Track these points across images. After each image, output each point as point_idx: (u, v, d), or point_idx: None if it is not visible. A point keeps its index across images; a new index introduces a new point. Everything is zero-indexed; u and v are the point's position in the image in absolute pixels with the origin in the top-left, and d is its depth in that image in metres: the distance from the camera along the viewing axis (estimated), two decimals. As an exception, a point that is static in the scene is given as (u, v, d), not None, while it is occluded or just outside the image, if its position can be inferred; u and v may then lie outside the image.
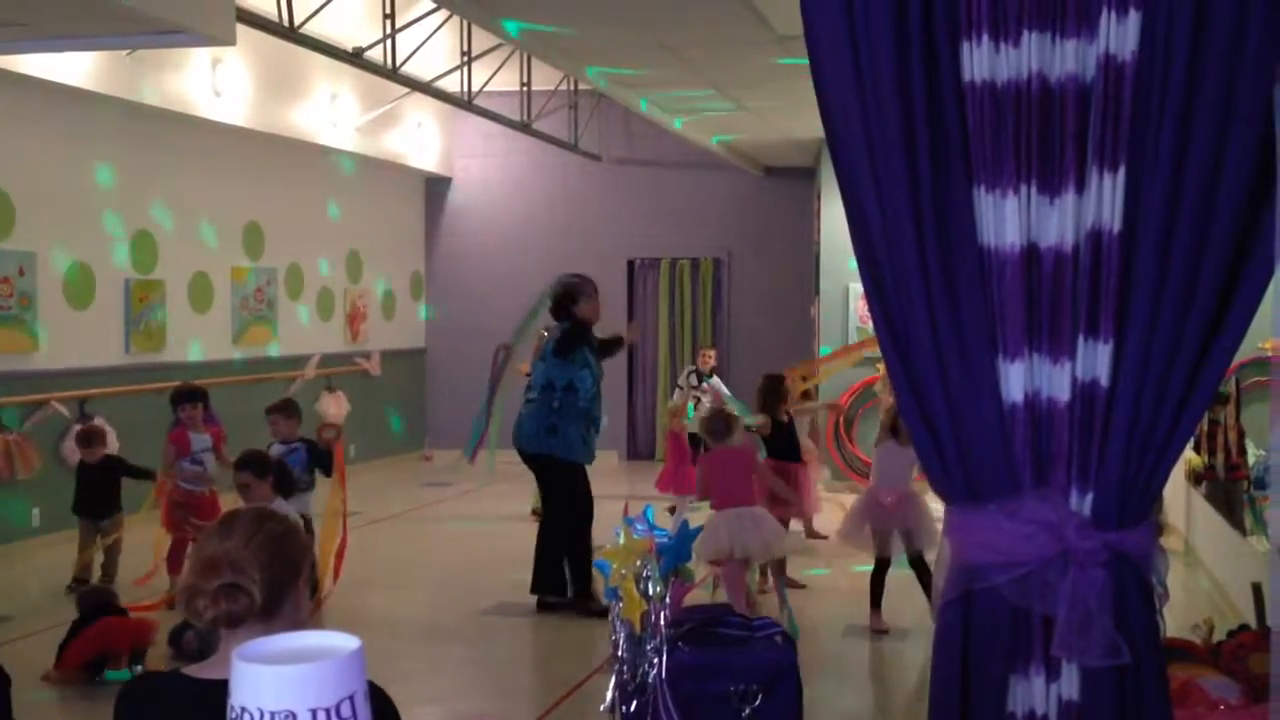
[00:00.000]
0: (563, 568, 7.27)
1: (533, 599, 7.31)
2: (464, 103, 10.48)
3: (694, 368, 11.33)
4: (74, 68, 8.48)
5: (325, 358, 12.33)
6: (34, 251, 8.87)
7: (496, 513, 10.50)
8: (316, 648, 1.63)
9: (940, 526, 3.11)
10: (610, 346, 7.75)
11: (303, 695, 1.55)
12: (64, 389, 9.06)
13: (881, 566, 6.83)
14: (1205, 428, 8.06)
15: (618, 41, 7.71)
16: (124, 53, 8.70)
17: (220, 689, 1.65)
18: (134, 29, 6.23)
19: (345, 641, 1.64)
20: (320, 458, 7.43)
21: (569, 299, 7.37)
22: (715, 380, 11.02)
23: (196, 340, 10.64)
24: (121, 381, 9.61)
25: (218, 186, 10.85)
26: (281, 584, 2.11)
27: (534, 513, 9.86)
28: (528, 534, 9.35)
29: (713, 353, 11.57)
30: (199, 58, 9.64)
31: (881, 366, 10.05)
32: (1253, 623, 5.02)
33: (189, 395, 7.90)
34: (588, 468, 7.36)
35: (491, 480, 9.86)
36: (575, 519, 7.22)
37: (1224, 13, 2.26)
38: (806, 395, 9.66)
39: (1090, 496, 2.41)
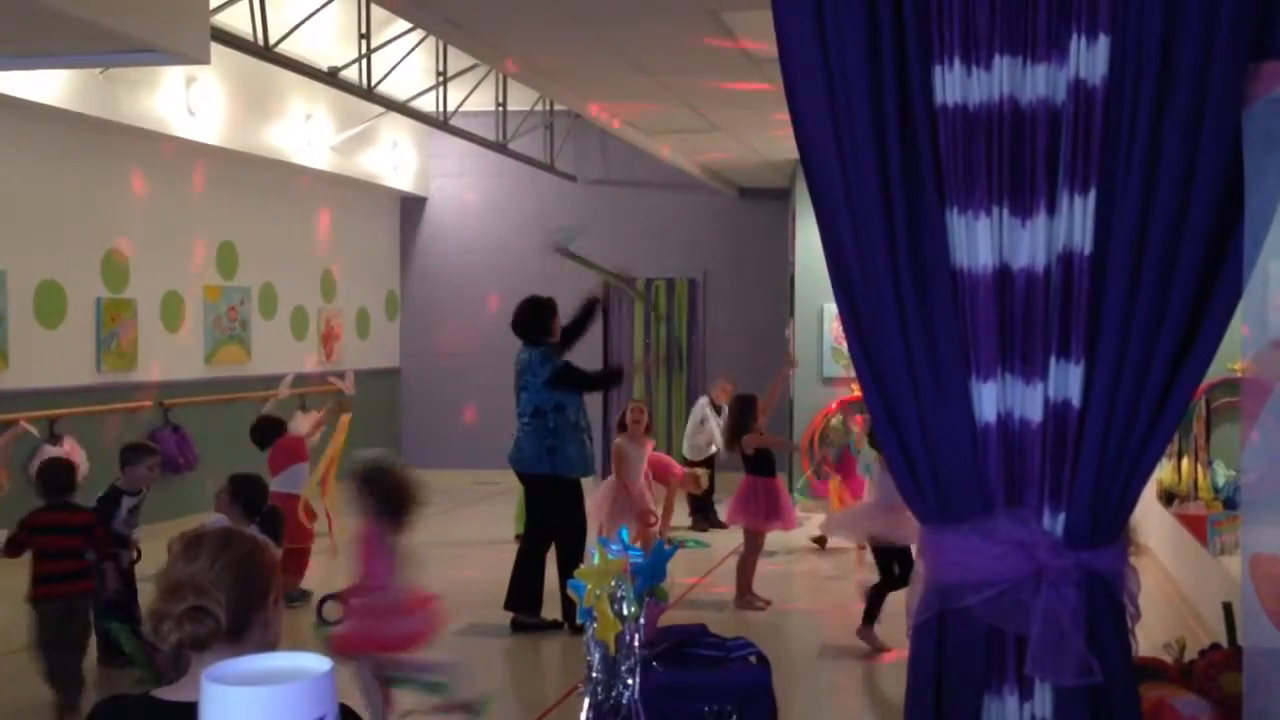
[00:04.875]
0: (539, 586, 7.23)
1: (506, 619, 7.27)
2: (439, 123, 10.47)
3: (709, 400, 11.16)
4: (47, 86, 8.44)
5: (299, 377, 12.24)
6: (4, 270, 8.79)
7: (470, 534, 10.44)
8: (287, 669, 1.62)
9: None
10: (608, 379, 8.04)
11: (273, 717, 1.54)
12: (34, 409, 8.95)
13: (884, 585, 6.73)
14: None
15: (592, 64, 7.73)
16: (97, 71, 8.66)
17: (189, 711, 1.63)
18: (108, 47, 6.20)
19: (316, 663, 1.63)
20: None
21: (544, 317, 7.32)
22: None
23: (168, 360, 10.56)
24: (92, 401, 9.53)
25: (191, 205, 10.79)
26: (248, 605, 2.09)
27: (518, 537, 9.79)
28: (503, 555, 9.33)
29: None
30: (173, 76, 9.60)
31: (855, 386, 10.04)
32: (1224, 642, 5.04)
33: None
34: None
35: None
36: (576, 537, 7.14)
37: (1191, 37, 2.29)
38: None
39: (1063, 516, 2.43)
